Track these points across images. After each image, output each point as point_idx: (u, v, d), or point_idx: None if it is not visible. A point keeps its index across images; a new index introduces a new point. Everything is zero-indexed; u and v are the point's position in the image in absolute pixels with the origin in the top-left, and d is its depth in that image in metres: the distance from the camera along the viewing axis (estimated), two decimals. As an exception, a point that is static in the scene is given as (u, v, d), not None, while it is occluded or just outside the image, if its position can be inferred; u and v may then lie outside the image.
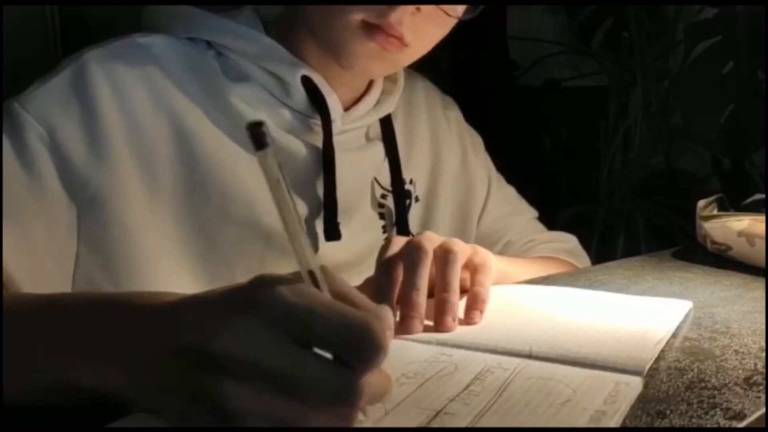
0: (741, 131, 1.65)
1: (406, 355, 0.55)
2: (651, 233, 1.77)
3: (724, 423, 0.45)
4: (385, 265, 0.65)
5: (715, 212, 0.92)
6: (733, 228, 0.87)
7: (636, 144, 1.86)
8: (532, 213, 1.04)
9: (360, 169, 0.83)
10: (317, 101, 0.77)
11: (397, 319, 0.61)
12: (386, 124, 0.85)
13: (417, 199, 0.90)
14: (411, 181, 0.89)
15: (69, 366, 0.45)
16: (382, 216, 0.86)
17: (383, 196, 0.85)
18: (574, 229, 1.06)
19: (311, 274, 0.41)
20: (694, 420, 0.45)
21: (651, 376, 0.52)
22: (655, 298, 0.71)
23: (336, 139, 0.78)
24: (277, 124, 0.76)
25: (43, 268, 0.68)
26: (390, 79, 0.86)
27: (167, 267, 0.72)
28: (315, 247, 0.78)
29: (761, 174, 1.68)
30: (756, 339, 0.60)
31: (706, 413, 0.46)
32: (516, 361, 0.54)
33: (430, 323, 0.62)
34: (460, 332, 0.61)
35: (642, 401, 0.48)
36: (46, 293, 0.53)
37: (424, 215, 0.91)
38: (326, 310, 0.39)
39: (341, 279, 0.43)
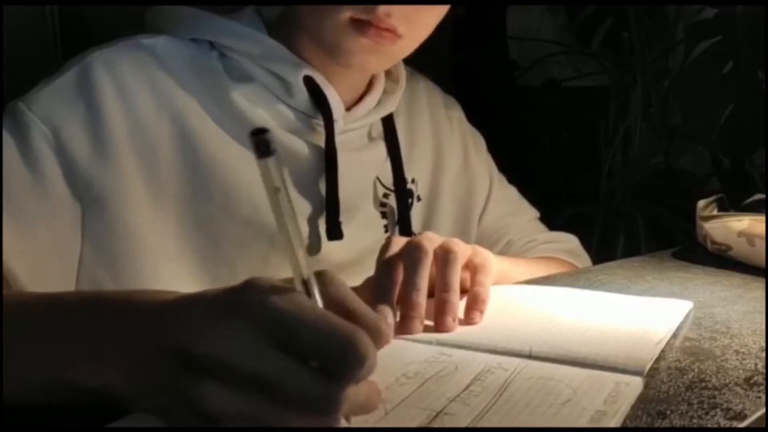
0: (741, 131, 1.64)
1: (406, 355, 0.55)
2: (651, 233, 1.77)
3: (724, 423, 0.45)
4: (385, 265, 0.65)
5: (715, 212, 0.92)
6: (734, 228, 0.87)
7: (636, 144, 1.86)
8: (533, 213, 1.04)
9: (362, 169, 0.83)
10: (319, 101, 0.77)
11: (397, 319, 0.61)
12: (388, 123, 0.85)
13: (419, 199, 0.90)
14: (413, 181, 0.89)
15: (69, 366, 0.45)
16: (384, 215, 0.86)
17: (385, 196, 0.86)
18: (574, 229, 1.06)
19: (305, 283, 0.41)
20: (694, 420, 0.45)
21: (651, 376, 0.52)
22: (655, 298, 0.71)
23: (338, 139, 0.78)
24: (280, 124, 0.76)
25: (47, 267, 0.69)
26: (392, 79, 0.86)
27: (170, 266, 0.72)
28: (317, 246, 0.78)
29: (761, 174, 1.68)
30: (756, 339, 0.60)
31: (707, 413, 0.46)
32: (516, 361, 0.54)
33: (430, 323, 0.61)
34: (460, 332, 0.61)
35: (642, 401, 0.48)
36: (46, 292, 0.53)
37: (425, 215, 0.91)
38: (313, 318, 0.38)
39: (341, 282, 0.43)
